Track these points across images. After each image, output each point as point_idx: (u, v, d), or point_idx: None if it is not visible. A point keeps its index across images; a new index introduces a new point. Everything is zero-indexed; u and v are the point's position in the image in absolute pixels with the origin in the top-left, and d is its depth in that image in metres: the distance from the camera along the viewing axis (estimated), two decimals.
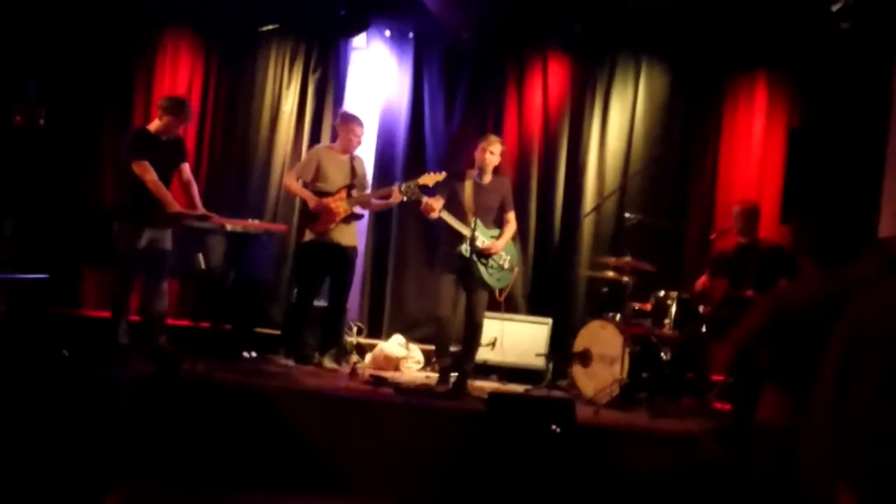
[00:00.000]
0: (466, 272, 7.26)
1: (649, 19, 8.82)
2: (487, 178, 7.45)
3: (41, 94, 8.33)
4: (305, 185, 7.87)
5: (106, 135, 9.30)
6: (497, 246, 7.31)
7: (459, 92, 9.32)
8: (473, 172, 7.44)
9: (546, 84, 9.17)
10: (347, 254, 7.95)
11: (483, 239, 7.26)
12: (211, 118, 9.49)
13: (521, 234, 8.96)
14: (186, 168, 7.68)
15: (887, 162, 7.40)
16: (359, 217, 8.07)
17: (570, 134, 9.12)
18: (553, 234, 9.07)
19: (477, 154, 7.42)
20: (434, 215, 7.27)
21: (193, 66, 9.48)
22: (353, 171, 7.95)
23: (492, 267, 7.31)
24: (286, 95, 9.43)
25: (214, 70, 9.55)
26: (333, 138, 8.53)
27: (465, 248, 7.19)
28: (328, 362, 7.93)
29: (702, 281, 7.66)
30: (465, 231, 7.20)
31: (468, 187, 7.38)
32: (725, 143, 8.83)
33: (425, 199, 7.29)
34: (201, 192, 7.93)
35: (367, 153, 9.34)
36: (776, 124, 8.67)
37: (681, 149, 8.92)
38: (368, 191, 8.17)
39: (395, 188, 7.73)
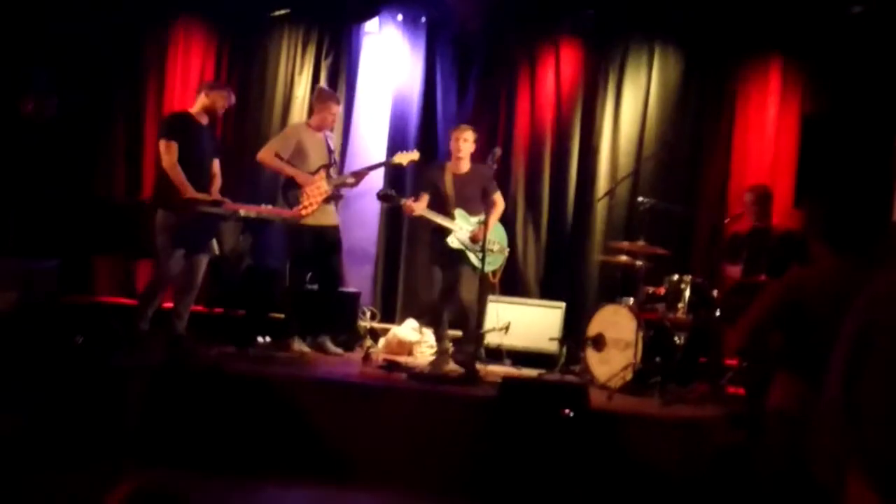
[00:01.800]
0: (454, 261, 7.47)
1: (662, 4, 8.79)
2: (465, 167, 7.64)
3: (52, 84, 8.34)
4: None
5: (117, 124, 9.34)
6: (481, 233, 7.36)
7: (472, 77, 9.29)
8: (451, 165, 7.66)
9: (558, 70, 9.13)
10: (333, 234, 7.98)
11: (467, 228, 7.48)
12: None
13: (533, 219, 9.01)
14: (216, 163, 7.69)
15: None
16: (340, 197, 8.07)
17: (582, 119, 9.09)
18: (566, 218, 9.05)
19: (451, 144, 7.63)
20: (415, 214, 7.56)
21: (205, 53, 9.49)
22: (329, 150, 7.95)
23: (480, 252, 7.36)
24: (298, 81, 9.42)
25: (226, 57, 9.55)
26: (309, 113, 8.45)
27: (451, 240, 7.44)
28: (331, 345, 7.93)
29: (734, 274, 7.54)
30: (449, 224, 7.44)
31: (448, 179, 7.59)
32: (739, 128, 8.77)
33: (403, 201, 7.61)
34: None
35: (379, 138, 9.36)
36: (789, 109, 8.61)
37: (694, 134, 8.87)
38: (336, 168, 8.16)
39: (363, 169, 8.04)
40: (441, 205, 7.56)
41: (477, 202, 7.58)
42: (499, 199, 7.76)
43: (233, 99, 7.73)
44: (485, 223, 7.24)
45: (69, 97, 8.56)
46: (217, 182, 7.67)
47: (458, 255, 7.48)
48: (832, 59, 8.33)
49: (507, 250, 7.85)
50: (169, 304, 7.76)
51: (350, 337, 8.33)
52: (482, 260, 7.24)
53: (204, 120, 7.53)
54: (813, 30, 8.36)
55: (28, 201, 8.09)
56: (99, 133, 9.30)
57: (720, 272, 7.81)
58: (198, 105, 7.54)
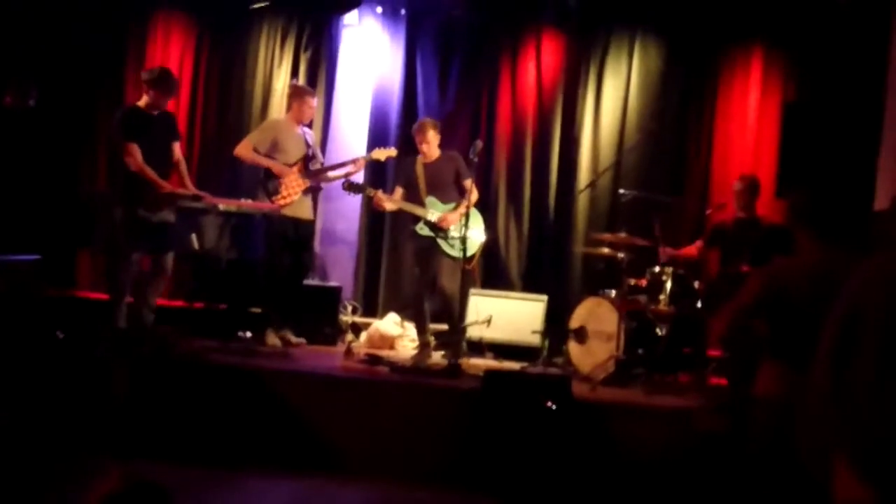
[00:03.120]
0: (429, 249, 7.49)
1: None
2: (435, 155, 7.66)
3: (33, 75, 8.27)
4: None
5: (99, 115, 9.28)
6: (449, 218, 7.45)
7: (453, 69, 9.27)
8: (423, 155, 7.68)
9: (540, 60, 9.12)
10: (307, 228, 8.01)
11: (436, 213, 7.48)
12: (203, 97, 9.45)
13: (515, 211, 8.99)
14: (177, 147, 7.63)
15: (883, 134, 7.38)
16: (318, 189, 8.09)
17: (564, 110, 9.08)
18: (548, 210, 9.05)
19: (416, 142, 7.68)
20: (387, 206, 7.62)
21: (185, 45, 9.44)
22: (307, 144, 7.93)
23: (452, 238, 7.44)
24: (278, 74, 9.38)
25: (206, 49, 9.51)
26: (287, 109, 8.30)
27: (419, 227, 7.49)
28: (292, 337, 7.89)
29: (692, 249, 7.59)
30: (419, 211, 7.49)
31: (419, 169, 7.64)
32: (721, 117, 8.79)
33: (370, 190, 7.66)
34: (194, 171, 7.90)
35: (360, 131, 9.33)
36: (771, 98, 8.63)
37: (676, 123, 8.87)
38: (319, 163, 8.14)
39: (358, 159, 7.97)
40: (414, 195, 7.59)
41: (450, 189, 7.62)
42: (469, 185, 7.55)
43: (172, 81, 7.62)
44: (465, 212, 7.19)
45: (51, 89, 8.50)
46: (182, 166, 7.64)
47: (433, 245, 7.49)
48: (813, 46, 8.34)
49: (483, 235, 7.73)
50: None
51: (332, 331, 8.31)
52: (461, 248, 7.21)
53: (155, 111, 7.44)
54: (795, 16, 8.37)
55: (9, 194, 8.02)
56: (81, 125, 9.23)
57: (701, 260, 7.82)
58: (144, 98, 7.45)
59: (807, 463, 2.89)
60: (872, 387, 2.48)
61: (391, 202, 7.62)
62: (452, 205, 7.55)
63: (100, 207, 8.03)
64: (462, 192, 7.50)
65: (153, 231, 7.27)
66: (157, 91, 7.36)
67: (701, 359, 7.34)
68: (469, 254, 7.50)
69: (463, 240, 7.26)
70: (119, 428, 5.99)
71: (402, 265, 9.22)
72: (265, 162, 7.67)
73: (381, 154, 8.03)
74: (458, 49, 9.30)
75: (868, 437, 2.48)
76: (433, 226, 7.47)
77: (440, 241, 7.48)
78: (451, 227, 7.44)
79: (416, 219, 7.55)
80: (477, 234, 7.65)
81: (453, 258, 7.46)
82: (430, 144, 7.61)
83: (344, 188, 7.79)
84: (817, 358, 2.68)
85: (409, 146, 8.49)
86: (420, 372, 7.01)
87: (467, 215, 7.16)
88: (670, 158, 8.85)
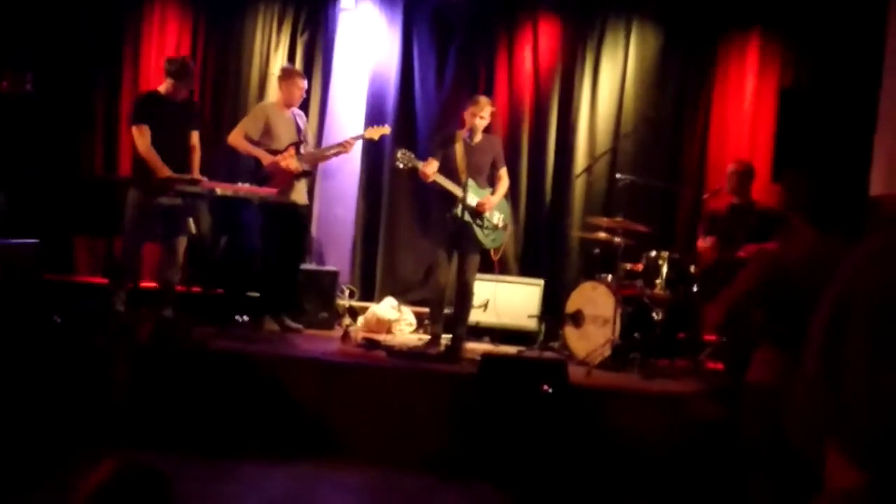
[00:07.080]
0: (460, 234, 7.26)
1: None
2: (478, 138, 7.42)
3: (29, 60, 8.25)
4: (251, 144, 7.76)
5: (96, 101, 9.27)
6: (489, 202, 7.31)
7: (450, 53, 9.24)
8: (463, 133, 7.43)
9: (536, 45, 9.11)
10: (302, 212, 8.00)
11: (475, 198, 7.26)
12: (199, 82, 9.40)
13: (512, 196, 8.92)
14: (195, 136, 7.67)
15: (879, 120, 7.39)
16: (309, 174, 8.07)
17: (560, 95, 9.07)
18: (544, 195, 9.05)
19: (467, 118, 7.41)
20: (429, 180, 7.23)
21: (181, 30, 9.41)
22: (298, 128, 7.92)
23: (486, 227, 7.32)
24: (274, 58, 9.35)
25: (202, 33, 9.47)
26: (293, 98, 8.08)
27: (458, 210, 7.17)
28: (290, 322, 7.91)
29: (705, 247, 7.54)
30: (458, 192, 7.18)
31: (459, 149, 7.37)
32: (717, 103, 8.78)
33: (420, 164, 7.25)
34: None
35: (357, 116, 9.31)
36: (768, 84, 8.62)
37: (672, 109, 8.87)
38: (311, 146, 8.16)
39: (349, 139, 7.90)
40: (450, 175, 7.30)
41: (486, 174, 7.46)
42: (504, 174, 7.56)
43: (190, 73, 7.66)
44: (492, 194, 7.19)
45: (47, 74, 8.47)
46: (196, 154, 7.64)
47: (469, 233, 7.26)
48: (810, 33, 8.34)
49: (510, 228, 7.67)
50: (154, 285, 7.77)
51: (329, 315, 8.32)
52: (493, 238, 7.28)
53: (174, 97, 7.50)
54: (791, 4, 8.37)
55: (7, 180, 8.01)
56: (78, 110, 9.22)
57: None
58: (164, 84, 7.52)
59: (799, 448, 2.90)
60: (863, 371, 2.49)
61: (436, 175, 7.24)
62: (489, 190, 7.42)
63: (114, 190, 8.03)
64: (492, 179, 7.46)
65: (165, 216, 7.30)
66: (173, 79, 7.43)
67: (697, 344, 7.37)
68: (497, 244, 7.49)
69: (494, 228, 7.32)
70: (117, 414, 6.00)
71: (398, 249, 9.23)
72: (255, 152, 7.66)
73: (375, 133, 8.01)
74: (454, 33, 9.26)
75: (859, 422, 2.50)
76: (473, 211, 7.23)
77: (475, 228, 7.26)
78: (486, 214, 7.28)
79: (449, 200, 7.27)
80: (504, 224, 7.53)
81: (484, 246, 7.38)
82: (485, 122, 7.39)
83: (396, 159, 7.34)
84: (810, 343, 2.69)
85: (406, 130, 8.50)
86: (417, 356, 7.03)
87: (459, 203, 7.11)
88: (667, 144, 8.84)
